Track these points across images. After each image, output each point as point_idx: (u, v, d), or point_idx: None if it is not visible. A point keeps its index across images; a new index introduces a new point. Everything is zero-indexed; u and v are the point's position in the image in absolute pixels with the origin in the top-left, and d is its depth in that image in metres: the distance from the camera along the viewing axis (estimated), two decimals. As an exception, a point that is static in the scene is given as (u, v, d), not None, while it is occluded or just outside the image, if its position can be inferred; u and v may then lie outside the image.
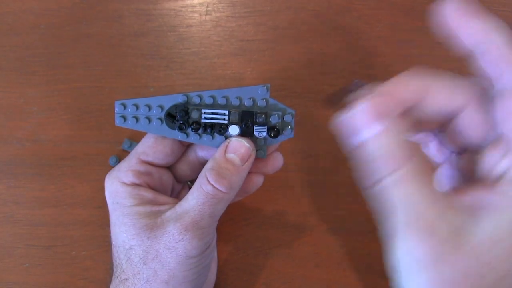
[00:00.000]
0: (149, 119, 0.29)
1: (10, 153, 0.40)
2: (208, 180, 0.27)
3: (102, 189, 0.39)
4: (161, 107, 0.29)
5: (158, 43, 0.42)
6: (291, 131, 0.29)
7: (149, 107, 0.29)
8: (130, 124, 0.29)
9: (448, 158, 0.24)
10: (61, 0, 0.43)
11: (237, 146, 0.29)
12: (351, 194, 0.39)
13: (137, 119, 0.29)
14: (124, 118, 0.29)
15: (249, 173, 0.32)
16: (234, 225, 0.39)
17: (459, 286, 0.18)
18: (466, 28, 0.19)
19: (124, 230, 0.29)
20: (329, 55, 0.42)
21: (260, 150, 0.29)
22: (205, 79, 0.41)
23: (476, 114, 0.21)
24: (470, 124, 0.21)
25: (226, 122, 0.29)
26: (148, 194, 0.30)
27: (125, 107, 0.29)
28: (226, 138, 0.29)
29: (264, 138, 0.29)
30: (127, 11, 0.43)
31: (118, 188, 0.30)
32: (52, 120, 0.40)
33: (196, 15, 0.43)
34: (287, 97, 0.41)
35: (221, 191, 0.28)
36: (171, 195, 0.33)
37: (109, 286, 0.31)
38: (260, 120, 0.29)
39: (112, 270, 0.31)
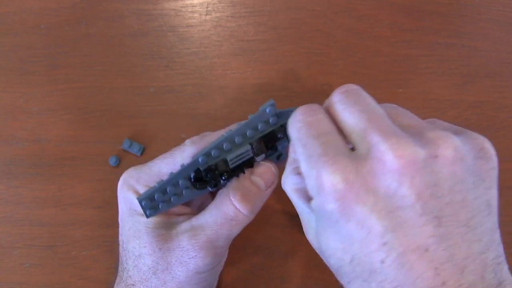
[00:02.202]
0: (178, 195, 0.28)
1: (10, 153, 0.40)
2: (231, 200, 0.27)
3: (102, 189, 0.39)
4: (186, 178, 0.28)
5: (158, 43, 0.42)
6: None
7: (175, 186, 0.28)
8: (162, 209, 0.28)
9: None
10: (61, 0, 0.43)
11: (264, 170, 0.28)
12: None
13: (167, 200, 0.28)
14: (154, 207, 0.28)
15: None
16: (234, 225, 0.38)
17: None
18: None
19: (137, 237, 0.28)
20: (329, 55, 0.42)
21: (283, 155, 0.29)
22: (205, 79, 0.41)
23: None
24: None
25: (252, 155, 0.28)
26: None
27: (151, 199, 0.28)
28: None
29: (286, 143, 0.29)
30: (127, 11, 0.43)
31: (133, 197, 0.29)
32: (52, 120, 0.40)
33: (196, 15, 0.43)
34: (287, 97, 0.41)
35: (243, 213, 0.27)
36: None
37: (113, 286, 0.31)
38: (280, 136, 0.28)
39: (116, 270, 0.31)
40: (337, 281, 0.26)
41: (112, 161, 0.39)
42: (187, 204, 0.32)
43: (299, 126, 0.23)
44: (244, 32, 0.43)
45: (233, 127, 0.29)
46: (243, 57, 0.42)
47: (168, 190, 0.28)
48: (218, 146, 0.27)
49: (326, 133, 0.22)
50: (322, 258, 0.23)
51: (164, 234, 0.28)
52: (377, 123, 0.21)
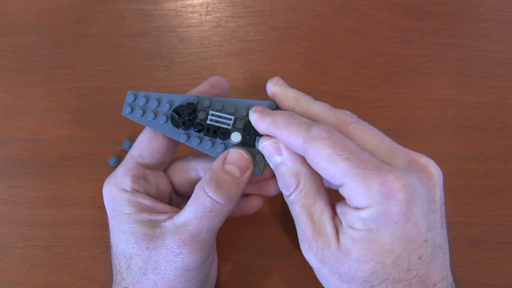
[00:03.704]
0: (155, 114, 0.29)
1: (10, 153, 0.40)
2: (206, 192, 0.27)
3: (102, 189, 0.39)
4: (170, 104, 0.29)
5: (158, 43, 0.42)
6: None
7: (159, 102, 0.29)
8: (135, 115, 0.29)
9: None
10: (61, 0, 0.43)
11: (236, 157, 0.28)
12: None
13: (144, 111, 0.29)
14: (132, 108, 0.29)
15: (250, 195, 0.31)
16: (234, 225, 0.38)
17: (345, 278, 0.25)
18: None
19: (123, 238, 0.28)
20: (329, 55, 0.42)
21: (256, 167, 0.29)
22: (205, 79, 0.41)
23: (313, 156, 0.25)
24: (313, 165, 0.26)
25: (229, 127, 0.29)
26: (147, 201, 0.29)
27: (135, 97, 0.29)
28: (226, 147, 0.29)
29: (263, 155, 0.28)
30: (127, 11, 0.43)
31: (116, 195, 0.29)
32: (52, 120, 0.40)
33: (196, 15, 0.43)
34: (287, 97, 0.41)
35: (220, 203, 0.27)
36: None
37: None
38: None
39: (112, 275, 0.31)
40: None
41: (112, 161, 0.39)
42: (173, 204, 0.32)
43: (330, 143, 0.24)
44: (244, 32, 0.43)
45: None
46: (243, 57, 0.42)
47: (151, 102, 0.29)
48: (212, 100, 0.29)
49: (360, 149, 0.25)
50: (344, 274, 0.25)
51: (149, 233, 0.28)
52: (393, 142, 0.26)
